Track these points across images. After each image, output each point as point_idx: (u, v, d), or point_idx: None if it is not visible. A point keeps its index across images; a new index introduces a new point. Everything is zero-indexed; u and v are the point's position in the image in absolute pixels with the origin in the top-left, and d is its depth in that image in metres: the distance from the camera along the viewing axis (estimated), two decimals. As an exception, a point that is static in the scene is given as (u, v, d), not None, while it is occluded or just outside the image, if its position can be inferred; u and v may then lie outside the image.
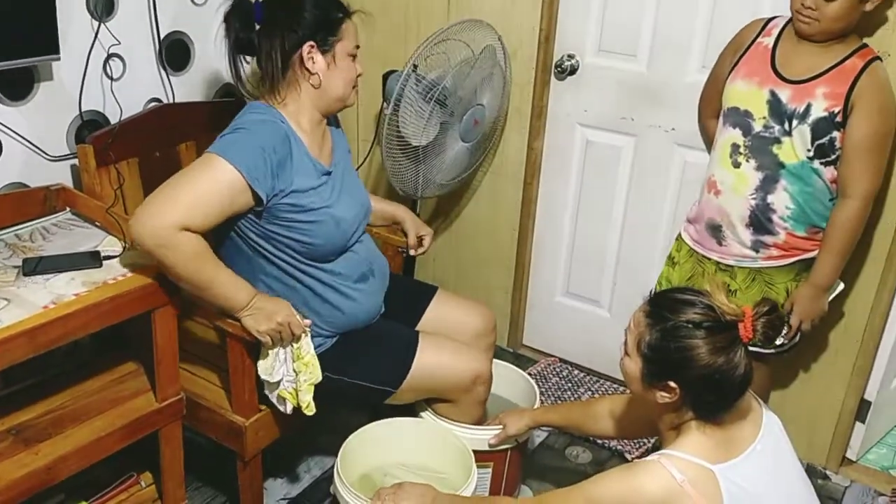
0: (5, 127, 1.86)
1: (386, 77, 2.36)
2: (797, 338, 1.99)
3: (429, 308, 2.09)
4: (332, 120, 1.93)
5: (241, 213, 1.70)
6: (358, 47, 1.82)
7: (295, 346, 1.73)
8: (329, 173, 1.82)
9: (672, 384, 1.39)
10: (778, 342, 1.95)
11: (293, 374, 1.73)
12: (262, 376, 1.73)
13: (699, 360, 1.35)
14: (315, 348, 1.79)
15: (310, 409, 1.77)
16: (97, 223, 1.85)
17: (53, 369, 1.83)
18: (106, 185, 1.96)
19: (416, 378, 1.87)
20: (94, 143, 1.92)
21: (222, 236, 1.78)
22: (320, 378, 1.76)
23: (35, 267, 1.65)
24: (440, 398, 1.95)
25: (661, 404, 1.43)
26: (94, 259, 1.69)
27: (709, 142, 2.23)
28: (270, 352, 1.72)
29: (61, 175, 2.00)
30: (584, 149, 2.57)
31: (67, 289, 1.59)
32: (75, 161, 1.99)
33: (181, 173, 1.66)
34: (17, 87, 1.87)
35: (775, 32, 1.94)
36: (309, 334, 1.75)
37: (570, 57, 2.48)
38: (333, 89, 1.79)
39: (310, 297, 1.82)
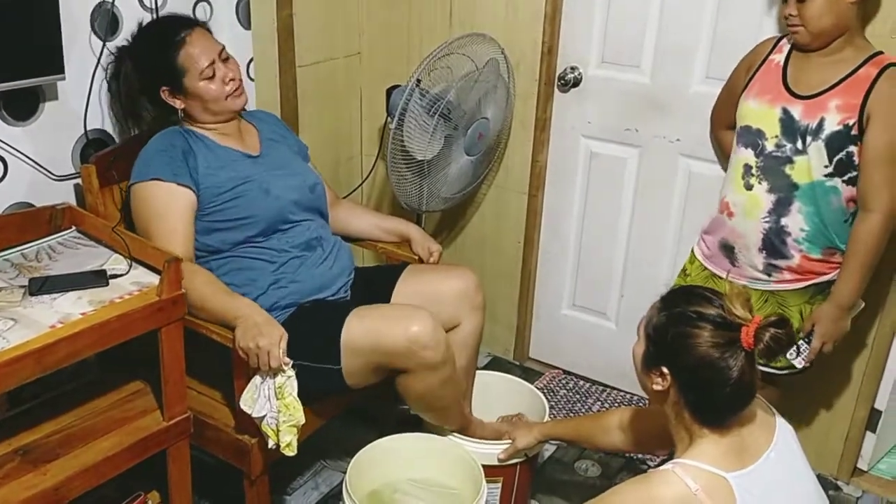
0: (11, 147, 1.86)
1: (389, 92, 2.36)
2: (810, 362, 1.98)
3: (399, 283, 2.05)
4: (250, 115, 2.07)
5: (197, 216, 1.87)
6: (214, 61, 1.89)
7: (277, 383, 1.70)
8: (253, 157, 1.97)
9: (665, 369, 1.40)
10: (798, 365, 1.95)
11: (276, 412, 1.72)
12: (243, 407, 1.71)
13: (693, 350, 1.35)
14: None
15: (290, 450, 1.74)
16: (103, 242, 1.84)
17: (60, 389, 1.83)
18: (110, 204, 1.96)
19: (351, 350, 1.80)
20: (96, 162, 1.92)
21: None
22: (303, 421, 1.73)
23: (41, 286, 1.64)
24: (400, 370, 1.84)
25: (664, 402, 1.44)
26: (100, 278, 1.69)
27: (722, 154, 2.22)
28: (253, 385, 1.71)
29: (66, 195, 1.99)
30: (588, 160, 2.57)
31: (74, 308, 1.59)
32: (80, 180, 1.99)
33: (135, 219, 1.87)
34: (23, 107, 1.87)
35: (786, 49, 1.91)
36: (291, 376, 1.71)
37: (574, 69, 2.49)
38: (203, 111, 1.93)
39: (260, 271, 1.91)
